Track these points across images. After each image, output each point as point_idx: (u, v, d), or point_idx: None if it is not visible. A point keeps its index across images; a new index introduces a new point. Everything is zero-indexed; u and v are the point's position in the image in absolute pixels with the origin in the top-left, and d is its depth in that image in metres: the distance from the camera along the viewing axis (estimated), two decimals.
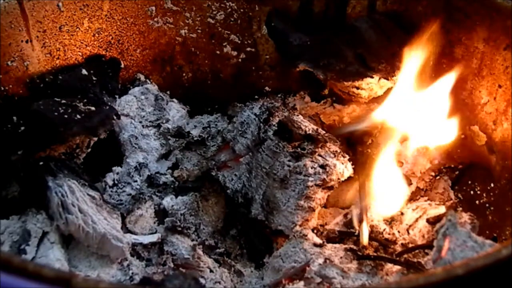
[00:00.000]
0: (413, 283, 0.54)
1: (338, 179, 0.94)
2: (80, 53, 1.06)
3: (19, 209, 0.86)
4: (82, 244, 0.85)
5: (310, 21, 1.14)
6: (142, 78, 1.13)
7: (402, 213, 0.97)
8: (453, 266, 0.56)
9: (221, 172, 1.00)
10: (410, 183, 1.03)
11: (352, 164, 0.96)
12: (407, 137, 1.00)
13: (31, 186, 0.86)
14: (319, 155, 0.94)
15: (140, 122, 1.05)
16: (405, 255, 0.88)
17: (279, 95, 1.18)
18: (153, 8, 1.11)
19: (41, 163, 0.88)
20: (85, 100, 0.97)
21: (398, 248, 0.90)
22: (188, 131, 1.08)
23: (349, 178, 0.96)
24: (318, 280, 0.82)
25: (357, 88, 1.05)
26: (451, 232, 0.72)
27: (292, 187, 0.92)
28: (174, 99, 1.12)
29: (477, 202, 0.98)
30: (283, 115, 1.00)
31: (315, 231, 0.93)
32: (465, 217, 0.91)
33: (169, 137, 1.05)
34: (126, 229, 0.92)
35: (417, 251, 0.89)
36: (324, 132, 0.99)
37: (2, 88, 0.95)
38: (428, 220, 0.94)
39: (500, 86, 0.95)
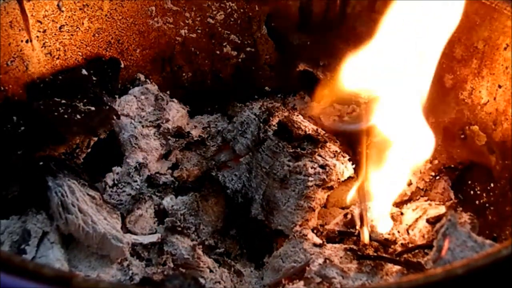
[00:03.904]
0: (413, 283, 0.54)
1: (338, 179, 0.94)
2: (80, 53, 1.06)
3: (19, 209, 0.86)
4: (82, 244, 0.85)
5: (309, 21, 1.14)
6: (142, 78, 1.13)
7: (402, 213, 0.97)
8: (453, 266, 0.56)
9: (221, 172, 1.00)
10: (410, 183, 1.03)
11: (352, 164, 0.96)
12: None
13: (31, 186, 0.86)
14: (319, 155, 0.94)
15: (140, 122, 1.05)
16: (405, 255, 0.88)
17: (279, 95, 1.18)
18: (153, 8, 1.12)
19: (41, 163, 0.88)
20: (85, 100, 0.97)
21: (398, 248, 0.90)
22: (188, 131, 1.08)
23: (349, 178, 0.96)
24: (318, 280, 0.82)
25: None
26: (451, 232, 0.72)
27: (292, 187, 0.92)
28: (174, 99, 1.12)
29: (477, 202, 0.98)
30: (283, 115, 1.00)
31: (315, 231, 0.93)
32: (465, 217, 0.91)
33: (169, 137, 1.05)
34: (126, 229, 0.92)
35: (417, 251, 0.89)
36: (324, 132, 0.99)
37: (2, 88, 0.95)
38: (428, 220, 0.94)
39: (500, 86, 0.95)
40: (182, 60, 1.17)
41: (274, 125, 0.97)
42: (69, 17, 1.03)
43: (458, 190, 1.03)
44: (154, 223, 0.96)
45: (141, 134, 1.03)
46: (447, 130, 1.06)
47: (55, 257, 0.81)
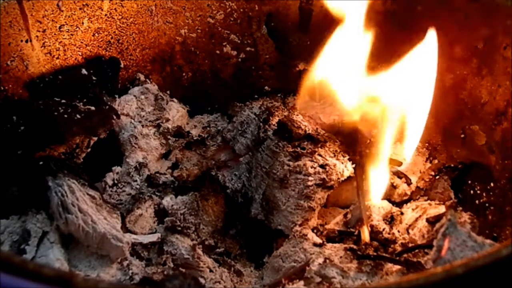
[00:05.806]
0: (413, 283, 0.54)
1: (338, 178, 0.94)
2: (79, 53, 1.06)
3: (19, 209, 0.86)
4: (82, 244, 0.85)
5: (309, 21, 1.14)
6: (142, 77, 1.13)
7: (402, 213, 0.97)
8: (453, 266, 0.56)
9: (221, 171, 1.00)
10: (409, 183, 1.03)
11: (352, 164, 0.96)
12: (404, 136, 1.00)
13: (31, 186, 0.86)
14: (319, 155, 0.94)
15: (140, 121, 1.05)
16: (405, 255, 0.88)
17: (278, 95, 1.18)
18: (153, 7, 1.11)
19: (41, 163, 0.88)
20: (85, 100, 0.98)
21: (398, 248, 0.90)
22: (188, 130, 1.08)
23: (349, 177, 0.96)
24: (318, 279, 0.82)
25: None
26: (451, 232, 0.72)
27: (292, 187, 0.92)
28: (174, 99, 1.12)
29: (477, 202, 0.98)
30: (283, 114, 1.00)
31: (315, 230, 0.93)
32: (465, 216, 0.91)
33: (169, 136, 1.05)
34: (126, 229, 0.92)
35: (417, 250, 0.89)
36: (324, 132, 0.99)
37: (2, 88, 0.95)
38: (428, 220, 0.94)
39: (500, 86, 0.95)
40: (182, 60, 1.17)
41: (274, 125, 0.97)
42: (68, 16, 1.03)
43: (458, 189, 1.03)
44: (154, 222, 0.96)
45: (141, 134, 1.03)
46: (447, 130, 1.06)
47: (55, 257, 0.81)
